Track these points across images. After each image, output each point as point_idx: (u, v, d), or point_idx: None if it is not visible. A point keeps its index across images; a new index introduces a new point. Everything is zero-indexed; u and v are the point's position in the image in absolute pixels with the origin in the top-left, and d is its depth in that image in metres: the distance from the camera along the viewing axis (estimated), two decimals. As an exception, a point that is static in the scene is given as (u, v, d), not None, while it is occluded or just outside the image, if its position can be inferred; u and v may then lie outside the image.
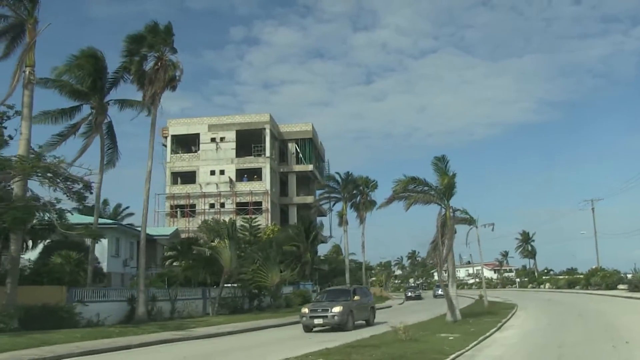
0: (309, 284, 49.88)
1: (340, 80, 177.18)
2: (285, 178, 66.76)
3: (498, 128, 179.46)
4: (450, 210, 20.82)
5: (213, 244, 29.62)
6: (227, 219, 59.87)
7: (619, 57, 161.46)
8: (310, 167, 64.37)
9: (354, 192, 60.50)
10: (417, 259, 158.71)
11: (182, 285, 31.19)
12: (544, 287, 75.69)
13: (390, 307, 48.36)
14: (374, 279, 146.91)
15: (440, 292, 58.32)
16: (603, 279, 55.08)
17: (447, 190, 19.96)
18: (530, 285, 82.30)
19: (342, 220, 60.59)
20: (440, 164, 19.57)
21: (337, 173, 60.55)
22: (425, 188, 20.11)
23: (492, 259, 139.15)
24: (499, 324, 18.83)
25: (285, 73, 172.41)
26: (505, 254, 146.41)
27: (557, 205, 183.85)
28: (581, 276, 67.19)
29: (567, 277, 76.35)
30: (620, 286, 51.68)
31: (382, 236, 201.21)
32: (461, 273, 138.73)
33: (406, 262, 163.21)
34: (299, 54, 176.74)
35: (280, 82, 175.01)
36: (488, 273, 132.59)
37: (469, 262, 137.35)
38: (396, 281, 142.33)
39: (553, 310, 27.39)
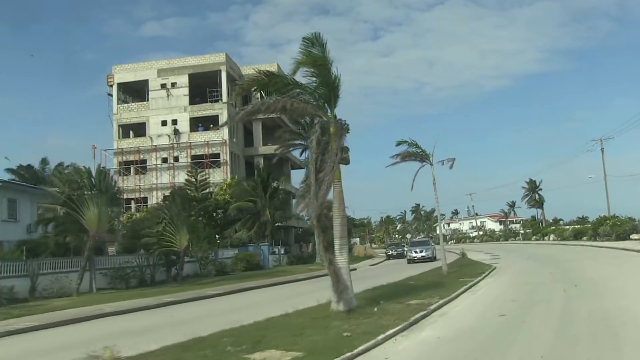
0: (264, 244, 42.73)
1: (347, 36, 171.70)
2: (251, 127, 58.90)
3: (507, 79, 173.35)
4: (338, 122, 13.17)
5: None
6: (178, 175, 53.25)
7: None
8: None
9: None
10: (422, 211, 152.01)
11: (56, 255, 24.03)
12: (548, 239, 68.15)
13: (355, 269, 40.97)
14: (374, 235, 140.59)
15: (414, 254, 51.14)
16: (613, 228, 47.30)
17: (329, 92, 12.24)
18: (535, 237, 74.80)
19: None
20: (316, 48, 11.61)
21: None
22: (298, 90, 12.36)
23: (496, 210, 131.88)
24: (418, 315, 11.26)
25: (291, 31, 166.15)
26: (512, 205, 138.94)
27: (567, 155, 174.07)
28: (588, 225, 59.40)
29: (572, 227, 68.62)
30: (634, 236, 43.97)
31: (385, 190, 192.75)
32: (465, 226, 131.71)
33: (410, 217, 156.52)
34: (304, 12, 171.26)
35: (287, 41, 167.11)
36: (493, 225, 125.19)
37: (476, 214, 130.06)
38: (398, 236, 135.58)
39: (537, 277, 19.79)
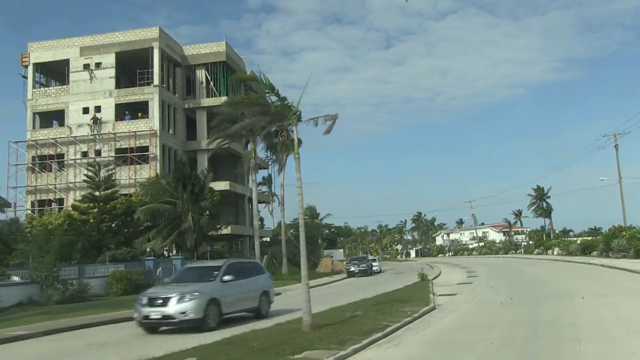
0: (178, 258, 33.14)
1: (360, 45, 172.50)
2: (194, 116, 49.58)
3: (519, 88, 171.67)
4: None
5: None
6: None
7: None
8: (223, 99, 46.76)
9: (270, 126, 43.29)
10: (424, 220, 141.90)
11: None
12: (552, 253, 57.93)
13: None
14: (371, 246, 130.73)
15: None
16: (631, 242, 37.24)
17: None
18: (537, 250, 64.59)
19: (249, 167, 43.58)
20: None
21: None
22: None
23: (500, 219, 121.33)
24: None
25: (304, 40, 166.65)
26: (518, 214, 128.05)
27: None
28: (599, 238, 49.13)
29: (581, 239, 58.41)
30: (658, 252, 33.97)
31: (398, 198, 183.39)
32: (465, 236, 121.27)
33: (409, 226, 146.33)
34: (317, 20, 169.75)
35: (300, 50, 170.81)
36: (496, 235, 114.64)
37: (482, 224, 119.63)
38: (392, 247, 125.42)
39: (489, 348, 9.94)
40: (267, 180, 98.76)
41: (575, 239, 62.80)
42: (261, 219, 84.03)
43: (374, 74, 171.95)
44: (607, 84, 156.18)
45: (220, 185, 46.26)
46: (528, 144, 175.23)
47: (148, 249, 35.58)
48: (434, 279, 31.77)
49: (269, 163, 57.84)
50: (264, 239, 60.76)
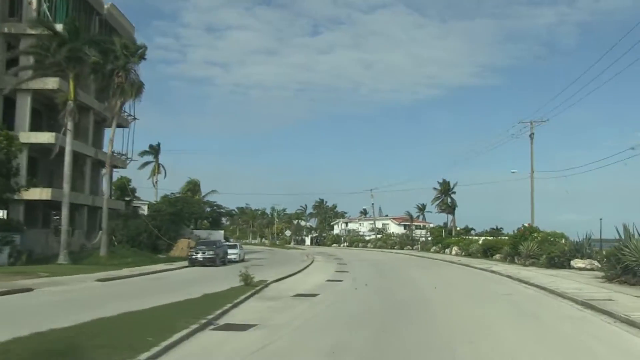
0: None
1: (287, 29, 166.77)
2: (17, 44, 36.48)
3: (440, 89, 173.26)
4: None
5: None
6: None
7: (563, 27, 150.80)
8: (59, 27, 33.96)
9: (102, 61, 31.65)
10: (325, 207, 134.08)
11: None
12: (450, 252, 50.58)
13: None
14: (267, 230, 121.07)
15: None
16: (542, 247, 29.59)
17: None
18: (435, 248, 57.37)
19: (66, 112, 31.44)
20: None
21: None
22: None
23: (402, 212, 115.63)
24: None
25: (231, 18, 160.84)
26: (422, 208, 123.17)
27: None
28: (505, 239, 41.83)
29: (484, 239, 51.63)
30: (577, 262, 26.20)
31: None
32: (365, 227, 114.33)
33: (310, 212, 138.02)
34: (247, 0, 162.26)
35: (226, 27, 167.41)
36: (396, 228, 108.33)
37: (387, 216, 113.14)
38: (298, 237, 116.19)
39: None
40: (155, 150, 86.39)
41: (476, 237, 55.98)
42: (133, 190, 71.84)
43: (299, 60, 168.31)
44: (519, 94, 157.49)
45: (43, 138, 34.17)
46: (442, 142, 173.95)
47: None
48: (283, 279, 22.17)
49: (129, 118, 45.85)
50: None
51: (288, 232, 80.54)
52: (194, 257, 33.19)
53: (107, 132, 40.29)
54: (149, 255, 38.72)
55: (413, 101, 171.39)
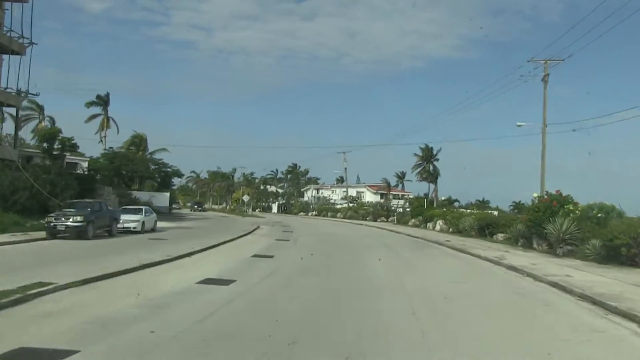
0: None
1: None
2: None
3: (422, 61, 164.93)
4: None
5: None
6: None
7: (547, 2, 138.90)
8: None
9: None
10: (298, 172, 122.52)
11: None
12: (432, 227, 39.44)
13: None
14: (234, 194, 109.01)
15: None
16: (586, 228, 18.47)
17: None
18: (414, 220, 46.05)
19: None
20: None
21: None
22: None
23: (378, 180, 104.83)
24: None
25: None
26: (401, 176, 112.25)
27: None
28: (509, 214, 30.64)
29: (476, 211, 40.63)
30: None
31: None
32: (338, 194, 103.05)
33: (282, 176, 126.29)
34: None
35: None
36: (372, 197, 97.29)
37: (365, 184, 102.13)
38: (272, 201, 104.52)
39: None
40: (103, 101, 74.86)
41: (467, 210, 44.84)
42: (72, 144, 59.39)
43: (282, 27, 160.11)
44: (501, 68, 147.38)
45: None
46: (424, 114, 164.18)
47: None
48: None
49: (24, 42, 33.53)
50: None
51: (246, 197, 68.78)
52: (52, 224, 21.44)
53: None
54: (16, 220, 26.87)
55: (396, 73, 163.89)
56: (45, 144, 46.18)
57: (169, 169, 63.04)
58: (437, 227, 38.39)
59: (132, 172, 59.79)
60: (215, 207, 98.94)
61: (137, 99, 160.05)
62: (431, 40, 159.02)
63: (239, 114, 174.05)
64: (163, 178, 66.58)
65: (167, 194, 61.27)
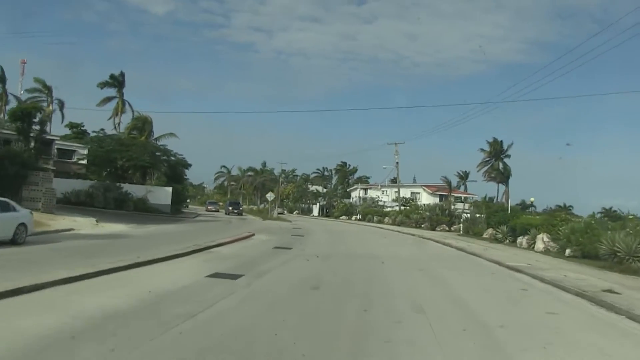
0: None
1: None
2: None
3: (484, 65, 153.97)
4: None
5: None
6: None
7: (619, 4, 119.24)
8: None
9: None
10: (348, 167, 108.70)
11: None
12: (529, 245, 24.42)
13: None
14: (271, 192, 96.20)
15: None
16: None
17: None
18: (491, 231, 30.55)
19: None
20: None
21: None
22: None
23: (437, 179, 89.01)
24: None
25: None
26: (463, 176, 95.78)
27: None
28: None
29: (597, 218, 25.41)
30: None
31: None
32: (390, 195, 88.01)
33: (329, 174, 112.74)
34: None
35: None
36: (429, 199, 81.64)
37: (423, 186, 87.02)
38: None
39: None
40: (118, 82, 64.70)
41: (581, 217, 29.17)
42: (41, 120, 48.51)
43: (343, 29, 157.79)
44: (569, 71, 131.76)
45: None
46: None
47: None
48: None
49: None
50: None
51: (270, 196, 55.18)
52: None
53: None
54: None
55: (457, 77, 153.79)
56: (19, 123, 35.15)
57: (172, 158, 50.31)
58: (540, 246, 23.36)
59: (126, 159, 47.64)
60: (253, 207, 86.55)
61: (195, 99, 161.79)
62: (495, 44, 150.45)
63: (295, 116, 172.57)
64: (173, 170, 54.05)
65: (169, 189, 48.52)
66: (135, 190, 46.43)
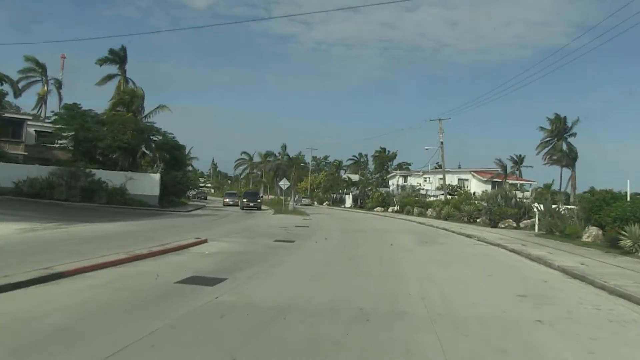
0: None
1: None
2: None
3: (529, 50, 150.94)
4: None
5: None
6: None
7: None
8: None
9: None
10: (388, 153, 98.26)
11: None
12: (630, 249, 13.36)
13: None
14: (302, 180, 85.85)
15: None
16: None
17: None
18: (596, 230, 19.86)
19: None
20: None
21: None
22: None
23: (489, 164, 76.82)
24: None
25: None
26: (517, 161, 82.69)
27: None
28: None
29: None
30: None
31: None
32: (434, 183, 76.29)
33: (370, 163, 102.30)
34: None
35: None
36: (480, 186, 69.56)
37: (472, 172, 75.17)
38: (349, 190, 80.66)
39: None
40: (119, 57, 56.07)
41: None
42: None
43: (383, 18, 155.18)
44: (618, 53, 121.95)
45: None
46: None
47: None
48: None
49: None
50: None
51: (284, 183, 44.84)
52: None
53: None
54: None
55: (499, 63, 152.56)
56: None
57: (156, 138, 40.44)
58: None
59: (98, 139, 38.17)
60: (271, 197, 76.70)
61: (233, 91, 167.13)
62: (538, 28, 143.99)
63: (334, 105, 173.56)
64: (170, 154, 44.34)
65: (156, 176, 38.72)
66: (112, 177, 36.88)
